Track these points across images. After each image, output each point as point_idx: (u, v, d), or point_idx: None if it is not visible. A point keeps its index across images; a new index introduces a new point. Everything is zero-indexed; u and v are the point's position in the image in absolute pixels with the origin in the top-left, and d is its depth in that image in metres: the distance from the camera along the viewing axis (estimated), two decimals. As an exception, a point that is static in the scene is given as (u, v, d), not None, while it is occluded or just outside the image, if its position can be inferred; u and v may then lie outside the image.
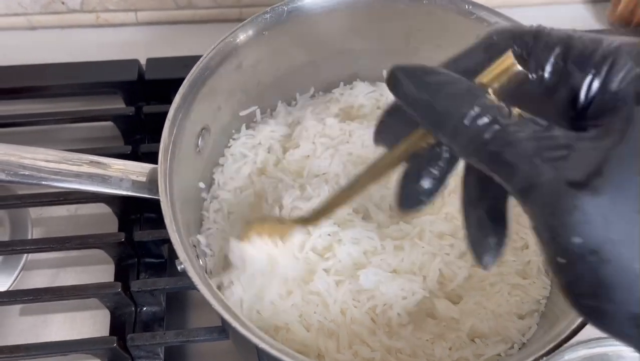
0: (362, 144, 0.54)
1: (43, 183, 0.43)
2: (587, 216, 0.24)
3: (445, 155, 0.31)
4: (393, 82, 0.28)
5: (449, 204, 0.52)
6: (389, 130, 0.33)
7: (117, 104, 0.71)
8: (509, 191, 0.26)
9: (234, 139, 0.56)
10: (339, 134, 0.55)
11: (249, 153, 0.56)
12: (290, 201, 0.48)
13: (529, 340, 0.47)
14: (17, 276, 0.61)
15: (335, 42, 0.56)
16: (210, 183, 0.54)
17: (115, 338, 0.53)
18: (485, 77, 0.27)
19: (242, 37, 0.51)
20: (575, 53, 0.27)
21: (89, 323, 0.59)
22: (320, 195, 0.48)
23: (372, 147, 0.53)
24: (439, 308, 0.47)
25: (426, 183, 0.31)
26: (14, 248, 0.59)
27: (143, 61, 0.72)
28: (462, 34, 0.53)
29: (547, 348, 0.37)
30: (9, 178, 0.41)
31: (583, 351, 0.52)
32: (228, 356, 0.57)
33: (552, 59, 0.28)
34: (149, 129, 0.67)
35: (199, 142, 0.50)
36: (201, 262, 0.44)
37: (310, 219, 0.40)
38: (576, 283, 0.25)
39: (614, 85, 0.26)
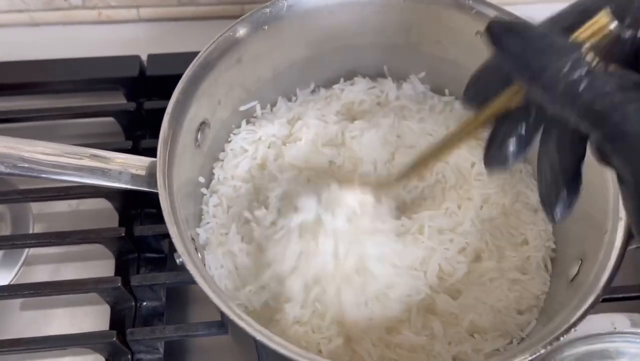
0: (361, 145, 0.55)
1: (42, 175, 0.43)
2: None
3: (533, 117, 0.32)
4: (492, 35, 0.29)
5: (448, 200, 0.52)
6: (479, 90, 0.34)
7: (119, 100, 0.71)
8: (597, 142, 0.27)
9: (233, 134, 0.56)
10: (338, 133, 0.55)
11: (248, 148, 0.56)
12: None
13: (528, 335, 0.46)
14: (18, 271, 0.62)
15: (335, 37, 0.56)
16: (209, 178, 0.54)
17: (114, 332, 0.53)
18: (582, 33, 0.29)
19: (241, 31, 0.51)
20: None
21: (89, 318, 0.59)
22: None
23: (369, 147, 0.54)
24: (438, 303, 0.47)
25: (513, 145, 0.33)
26: (15, 242, 0.60)
27: (144, 57, 0.73)
28: (462, 29, 0.53)
29: (545, 342, 0.37)
30: (8, 171, 0.42)
31: (583, 348, 0.52)
32: (227, 351, 0.57)
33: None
34: (150, 124, 0.68)
35: (199, 136, 0.50)
36: (199, 255, 0.44)
37: (398, 179, 0.43)
38: None
39: None
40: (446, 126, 0.57)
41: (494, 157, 0.34)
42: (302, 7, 0.52)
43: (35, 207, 0.66)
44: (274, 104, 0.59)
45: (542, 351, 0.36)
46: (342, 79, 0.60)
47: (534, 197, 0.53)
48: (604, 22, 0.28)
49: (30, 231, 0.64)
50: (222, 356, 0.57)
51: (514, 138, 0.33)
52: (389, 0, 0.54)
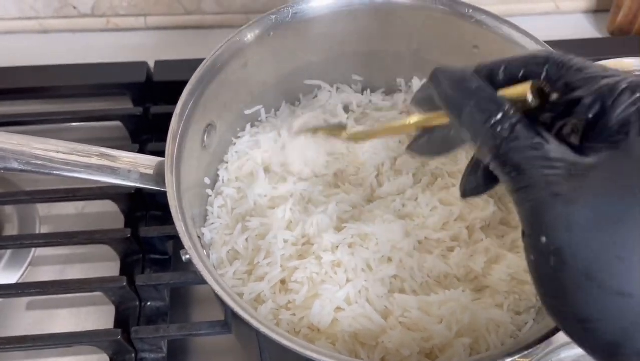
0: (363, 150, 0.56)
1: (54, 172, 0.44)
2: (555, 220, 0.28)
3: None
4: (434, 80, 0.34)
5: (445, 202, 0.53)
6: (423, 101, 0.39)
7: (126, 105, 0.73)
8: (506, 188, 0.31)
9: (238, 137, 0.57)
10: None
11: (252, 152, 0.57)
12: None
13: (525, 334, 0.47)
14: (24, 271, 0.63)
15: (338, 44, 0.57)
16: (215, 179, 0.55)
17: (119, 330, 0.54)
18: (508, 93, 0.33)
19: (248, 36, 0.52)
20: (589, 89, 0.31)
21: (93, 317, 0.60)
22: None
23: (371, 153, 0.55)
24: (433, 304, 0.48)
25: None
26: (22, 241, 0.61)
27: (151, 64, 0.74)
28: (462, 37, 0.54)
29: (538, 337, 0.38)
30: (21, 167, 0.43)
31: (578, 350, 0.52)
32: (230, 350, 0.58)
33: (566, 91, 0.32)
34: (156, 129, 0.69)
35: (205, 138, 0.51)
36: (205, 252, 0.45)
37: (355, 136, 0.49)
38: (542, 281, 0.30)
39: (616, 116, 0.30)
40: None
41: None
42: (306, 15, 0.54)
43: (42, 209, 0.67)
44: (278, 109, 0.60)
45: (536, 346, 0.37)
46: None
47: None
48: (524, 93, 0.32)
49: (37, 232, 0.65)
50: (225, 356, 0.58)
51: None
52: (391, 8, 0.55)
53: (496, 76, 0.34)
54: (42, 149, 0.44)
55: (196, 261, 0.40)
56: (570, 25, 0.85)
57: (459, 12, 0.54)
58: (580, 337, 0.29)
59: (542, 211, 0.29)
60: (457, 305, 0.47)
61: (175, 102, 0.48)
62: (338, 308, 0.46)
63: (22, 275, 0.62)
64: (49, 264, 0.63)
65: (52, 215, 0.67)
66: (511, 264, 0.50)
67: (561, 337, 0.51)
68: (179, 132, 0.46)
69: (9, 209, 0.66)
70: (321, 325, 0.45)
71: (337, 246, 0.49)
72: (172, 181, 0.43)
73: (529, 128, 0.31)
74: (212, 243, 0.52)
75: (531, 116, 0.32)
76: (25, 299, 0.61)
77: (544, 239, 0.28)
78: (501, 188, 0.55)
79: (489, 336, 0.46)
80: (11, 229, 0.65)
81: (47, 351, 0.56)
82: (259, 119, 0.59)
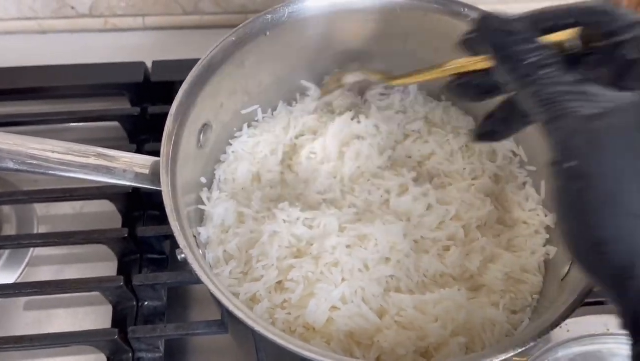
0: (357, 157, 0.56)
1: (49, 172, 0.44)
2: (588, 143, 0.30)
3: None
4: (481, 23, 0.37)
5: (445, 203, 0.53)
6: (468, 44, 0.41)
7: (123, 105, 0.73)
8: (539, 120, 0.33)
9: (235, 137, 0.57)
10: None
11: (249, 152, 0.57)
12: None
13: (521, 333, 0.47)
14: (22, 272, 0.63)
15: (334, 44, 0.57)
16: (211, 178, 0.55)
17: (116, 330, 0.54)
18: (552, 37, 0.36)
19: (244, 36, 0.52)
20: (631, 33, 0.34)
21: (91, 317, 0.60)
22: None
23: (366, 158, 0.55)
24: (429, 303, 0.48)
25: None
26: (20, 241, 0.61)
27: (149, 64, 0.74)
28: (457, 37, 0.54)
29: (532, 335, 0.38)
30: (16, 167, 0.43)
31: (576, 349, 0.52)
32: (227, 349, 0.58)
33: (608, 36, 0.35)
34: (153, 129, 0.69)
35: (201, 137, 0.52)
36: (200, 252, 0.46)
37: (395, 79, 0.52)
38: (564, 205, 0.31)
39: None
40: (445, 132, 0.58)
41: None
42: (302, 14, 0.54)
43: (40, 209, 0.67)
44: (274, 108, 0.60)
45: (531, 343, 0.37)
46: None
47: (528, 204, 0.54)
48: (567, 38, 0.35)
49: (35, 232, 0.65)
50: (222, 355, 0.58)
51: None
52: (386, 8, 0.55)
53: (541, 22, 0.37)
54: (38, 149, 0.44)
55: (191, 261, 0.40)
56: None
57: (454, 11, 0.54)
58: (592, 263, 0.31)
59: (575, 136, 0.31)
60: (453, 304, 0.47)
61: (172, 102, 0.48)
62: (334, 307, 0.46)
63: (20, 275, 0.62)
64: (47, 264, 0.64)
65: (50, 215, 0.67)
66: (507, 263, 0.51)
67: (557, 336, 0.52)
68: (175, 132, 0.46)
69: (7, 209, 0.66)
70: (316, 324, 0.45)
71: (336, 247, 0.49)
72: (167, 181, 0.43)
73: (568, 67, 0.33)
74: (209, 242, 0.52)
75: (572, 61, 0.35)
76: (23, 299, 0.61)
77: (573, 163, 0.30)
78: (498, 188, 0.56)
79: (485, 334, 0.47)
80: (10, 230, 0.65)
81: (45, 350, 0.56)
82: (256, 118, 0.59)
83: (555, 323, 0.38)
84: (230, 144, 0.57)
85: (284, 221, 0.49)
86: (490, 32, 0.36)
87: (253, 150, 0.57)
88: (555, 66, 0.33)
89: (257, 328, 0.38)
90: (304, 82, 0.59)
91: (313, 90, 0.59)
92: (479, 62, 0.41)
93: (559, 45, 0.35)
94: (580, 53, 0.36)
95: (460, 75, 0.43)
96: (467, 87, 0.43)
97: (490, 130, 0.44)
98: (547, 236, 0.52)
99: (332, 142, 0.56)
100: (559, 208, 0.32)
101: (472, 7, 0.53)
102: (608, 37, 0.35)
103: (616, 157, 0.30)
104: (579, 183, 0.30)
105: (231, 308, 0.38)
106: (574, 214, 0.31)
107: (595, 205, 0.30)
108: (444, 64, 0.44)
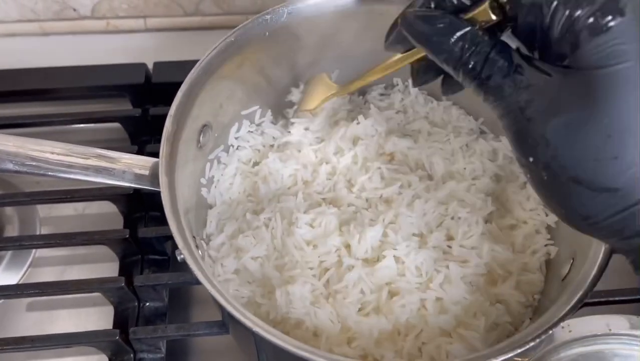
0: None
1: (49, 174, 0.44)
2: (535, 141, 0.33)
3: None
4: (403, 24, 0.38)
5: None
6: (397, 43, 0.42)
7: (125, 106, 0.73)
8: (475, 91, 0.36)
9: (235, 138, 0.57)
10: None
11: (248, 153, 0.57)
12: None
13: (522, 334, 0.47)
14: (25, 273, 0.63)
15: (334, 44, 0.57)
16: (211, 179, 0.55)
17: (118, 331, 0.54)
18: (471, 15, 0.36)
19: (243, 37, 0.52)
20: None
21: (93, 318, 0.60)
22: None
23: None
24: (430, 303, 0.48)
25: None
26: (22, 243, 0.61)
27: (150, 65, 0.75)
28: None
29: (533, 335, 0.38)
30: (16, 168, 0.43)
31: (578, 349, 0.52)
32: (228, 350, 0.58)
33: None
34: (155, 130, 0.69)
35: (201, 138, 0.52)
36: (200, 253, 0.46)
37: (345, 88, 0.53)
38: (543, 193, 0.35)
39: (556, 36, 0.32)
40: (446, 132, 0.58)
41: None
42: (301, 15, 0.54)
43: (42, 211, 0.67)
44: (274, 109, 0.60)
45: (532, 345, 0.37)
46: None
47: (529, 204, 0.54)
48: (485, 12, 0.35)
49: (37, 234, 0.65)
50: (223, 356, 0.58)
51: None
52: (386, 8, 0.55)
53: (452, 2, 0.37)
54: (38, 150, 0.44)
55: (190, 262, 0.40)
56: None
57: (454, 11, 0.53)
58: (588, 231, 0.34)
59: (523, 137, 0.33)
60: (453, 304, 0.47)
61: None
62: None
63: (23, 276, 0.63)
64: (50, 266, 0.64)
65: (52, 217, 0.67)
66: (508, 263, 0.50)
67: (559, 336, 0.52)
68: (174, 133, 0.46)
69: (9, 210, 0.66)
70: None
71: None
72: (166, 182, 0.43)
73: (501, 52, 0.34)
74: (209, 243, 0.52)
75: (494, 31, 0.35)
76: (25, 300, 0.61)
77: (531, 159, 0.33)
78: (499, 188, 0.56)
79: (486, 334, 0.47)
80: (12, 231, 0.65)
81: (47, 351, 0.56)
82: (255, 119, 0.59)
83: (557, 323, 0.38)
84: (230, 145, 0.57)
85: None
86: (415, 31, 0.37)
87: (251, 151, 0.57)
88: (492, 52, 0.34)
89: (256, 329, 0.38)
90: (302, 83, 0.59)
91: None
92: (415, 54, 0.42)
93: (479, 21, 0.35)
94: (500, 24, 0.36)
95: (412, 64, 0.44)
96: (428, 71, 0.43)
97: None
98: (548, 236, 0.52)
99: (331, 143, 0.56)
100: (540, 194, 0.35)
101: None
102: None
103: (567, 146, 0.32)
104: (545, 174, 0.33)
105: (230, 309, 0.38)
106: (555, 198, 0.34)
107: (568, 190, 0.33)
108: (384, 63, 0.46)
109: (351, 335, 0.46)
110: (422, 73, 0.44)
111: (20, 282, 0.62)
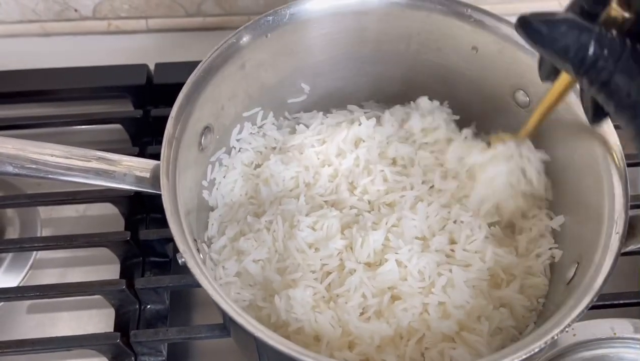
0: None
1: (49, 176, 0.44)
2: None
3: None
4: (522, 24, 0.35)
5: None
6: (544, 71, 0.42)
7: (126, 108, 0.73)
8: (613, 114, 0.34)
9: (236, 140, 0.57)
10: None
11: (250, 155, 0.57)
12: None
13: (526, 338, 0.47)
14: (26, 275, 0.63)
15: (336, 45, 0.57)
16: (213, 181, 0.55)
17: (118, 334, 0.54)
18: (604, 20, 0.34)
19: (245, 38, 0.52)
20: None
21: (94, 321, 0.60)
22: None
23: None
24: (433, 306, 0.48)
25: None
26: (23, 245, 0.61)
27: (152, 66, 0.74)
28: (461, 37, 0.54)
29: (539, 341, 0.37)
30: (16, 171, 0.43)
31: (583, 353, 0.52)
32: (230, 353, 0.57)
33: None
34: (156, 131, 0.69)
35: (202, 140, 0.51)
36: (202, 256, 0.45)
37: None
38: None
39: None
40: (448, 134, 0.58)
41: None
42: (303, 16, 0.53)
43: (43, 212, 0.67)
44: (276, 111, 0.60)
45: (537, 350, 0.37)
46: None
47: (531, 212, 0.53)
48: (615, 10, 0.32)
49: (38, 236, 0.65)
50: (224, 359, 0.58)
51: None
52: (389, 9, 0.54)
53: (585, 6, 0.35)
54: (38, 153, 0.44)
55: (191, 266, 0.40)
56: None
57: (458, 12, 0.53)
58: None
59: None
60: (457, 308, 0.46)
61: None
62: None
63: (23, 278, 0.63)
64: (51, 268, 0.64)
65: (53, 218, 0.67)
66: (512, 267, 0.50)
67: (564, 340, 0.51)
68: (175, 135, 0.46)
69: (10, 212, 0.66)
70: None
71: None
72: (167, 185, 0.43)
73: (630, 54, 0.32)
74: (210, 246, 0.52)
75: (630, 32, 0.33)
76: (26, 303, 0.61)
77: None
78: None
79: (490, 339, 0.46)
80: (13, 233, 0.65)
81: (48, 354, 0.56)
82: (257, 121, 0.58)
83: (563, 329, 0.38)
84: (232, 147, 0.57)
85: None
86: (541, 37, 0.34)
87: (253, 153, 0.57)
88: (623, 55, 0.32)
89: (258, 334, 0.37)
90: (304, 85, 0.59)
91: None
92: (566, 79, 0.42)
93: (611, 22, 0.33)
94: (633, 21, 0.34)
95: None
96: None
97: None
98: (553, 240, 0.52)
99: (333, 145, 0.55)
100: None
101: (475, 8, 0.53)
102: None
103: None
104: None
105: (231, 313, 0.38)
106: None
107: None
108: (545, 99, 0.45)
109: (352, 340, 0.46)
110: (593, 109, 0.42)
111: (20, 284, 0.62)
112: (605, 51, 0.32)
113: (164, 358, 0.56)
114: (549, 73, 0.42)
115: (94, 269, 0.63)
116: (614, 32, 0.32)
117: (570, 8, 0.37)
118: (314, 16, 0.53)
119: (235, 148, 0.57)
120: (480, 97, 0.57)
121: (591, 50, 0.32)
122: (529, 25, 0.34)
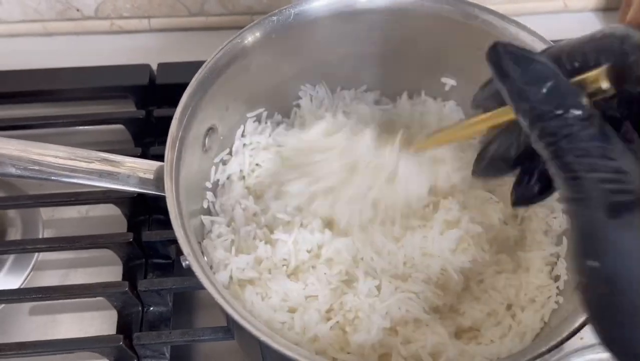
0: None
1: (52, 178, 0.43)
2: (611, 246, 0.26)
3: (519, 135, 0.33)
4: (494, 57, 0.29)
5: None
6: (480, 100, 0.36)
7: (129, 108, 0.72)
8: (560, 194, 0.28)
9: (240, 140, 0.57)
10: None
11: (254, 155, 0.56)
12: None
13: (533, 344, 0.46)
14: (28, 276, 0.62)
15: (341, 46, 0.56)
16: (216, 182, 0.55)
17: (121, 336, 0.54)
18: (579, 80, 0.29)
19: (249, 39, 0.51)
20: None
21: (96, 323, 0.60)
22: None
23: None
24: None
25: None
26: (25, 246, 0.61)
27: (154, 66, 0.74)
28: (468, 38, 0.53)
29: (549, 346, 0.37)
30: (19, 173, 0.42)
31: (589, 356, 0.51)
32: (233, 356, 0.57)
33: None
34: (159, 132, 0.68)
35: (206, 141, 0.51)
36: (206, 259, 0.45)
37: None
38: (592, 307, 0.27)
39: None
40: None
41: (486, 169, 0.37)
42: (308, 16, 0.53)
43: (45, 213, 0.67)
44: (280, 112, 0.59)
45: (546, 354, 0.36)
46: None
47: (542, 212, 0.53)
48: (597, 80, 0.28)
49: (40, 237, 0.65)
50: (228, 362, 0.57)
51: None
52: (395, 9, 0.54)
53: (566, 60, 0.30)
54: (41, 154, 0.43)
55: (196, 268, 0.40)
56: (579, 24, 0.83)
57: (465, 12, 0.53)
58: None
59: (597, 234, 0.26)
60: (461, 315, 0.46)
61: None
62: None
63: (25, 280, 0.62)
64: (53, 269, 0.63)
65: (55, 219, 0.67)
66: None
67: (571, 343, 0.51)
68: (179, 136, 0.46)
69: (12, 213, 0.66)
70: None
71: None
72: (171, 187, 0.43)
73: (598, 126, 0.27)
74: (215, 248, 0.51)
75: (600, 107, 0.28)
76: (28, 305, 0.61)
77: (596, 264, 0.26)
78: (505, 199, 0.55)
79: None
80: (15, 234, 0.65)
81: (50, 357, 0.55)
82: (262, 121, 0.58)
83: (571, 335, 0.37)
84: (236, 148, 0.56)
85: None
86: (507, 72, 0.29)
87: (257, 153, 0.57)
88: (588, 122, 0.27)
89: (263, 338, 0.37)
90: (309, 86, 0.58)
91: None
92: (501, 115, 0.34)
93: (589, 90, 0.28)
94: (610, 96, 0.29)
95: (488, 142, 0.36)
96: (496, 161, 0.36)
97: (524, 194, 0.35)
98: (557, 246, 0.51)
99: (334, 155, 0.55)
100: (587, 308, 0.27)
101: (483, 9, 0.52)
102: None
103: None
104: (607, 287, 0.26)
105: (236, 317, 0.38)
106: (607, 320, 0.26)
107: (633, 314, 0.25)
108: (466, 121, 0.40)
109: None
110: (488, 161, 0.36)
111: (22, 286, 0.62)
112: (580, 115, 0.27)
113: (167, 361, 0.55)
114: (486, 102, 0.36)
115: (97, 270, 0.63)
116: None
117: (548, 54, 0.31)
118: (318, 16, 0.53)
119: (239, 149, 0.57)
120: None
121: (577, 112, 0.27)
122: (500, 55, 0.29)
